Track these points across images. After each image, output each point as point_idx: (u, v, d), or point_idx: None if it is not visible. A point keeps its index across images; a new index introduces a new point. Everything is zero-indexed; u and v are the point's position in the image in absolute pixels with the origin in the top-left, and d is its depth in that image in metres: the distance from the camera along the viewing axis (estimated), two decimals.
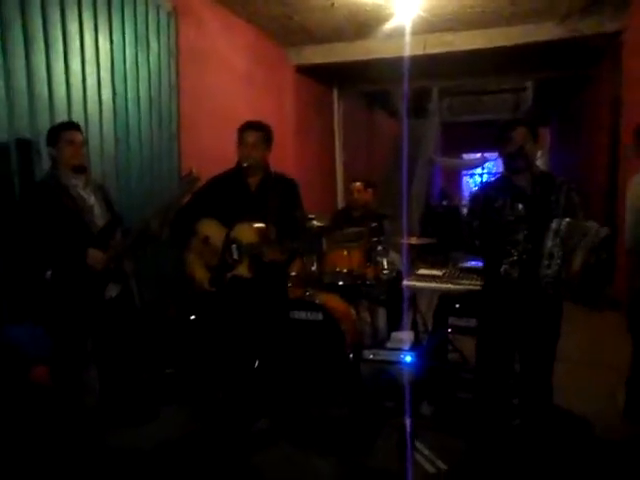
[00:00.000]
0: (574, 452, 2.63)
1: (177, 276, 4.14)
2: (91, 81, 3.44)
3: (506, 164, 2.45)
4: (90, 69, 3.43)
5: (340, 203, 7.53)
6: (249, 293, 2.86)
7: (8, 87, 2.87)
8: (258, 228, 2.79)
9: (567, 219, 2.20)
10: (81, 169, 2.82)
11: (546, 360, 2.44)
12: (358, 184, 4.46)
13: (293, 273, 3.59)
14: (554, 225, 2.20)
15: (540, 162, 2.78)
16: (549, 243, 2.19)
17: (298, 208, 3.00)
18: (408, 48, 5.38)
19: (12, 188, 2.92)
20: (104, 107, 3.56)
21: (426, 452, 2.62)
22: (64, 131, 2.76)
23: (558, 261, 2.18)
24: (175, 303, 3.97)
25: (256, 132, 2.87)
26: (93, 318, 2.80)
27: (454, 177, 13.68)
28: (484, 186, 3.22)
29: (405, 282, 3.27)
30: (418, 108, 10.81)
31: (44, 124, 3.01)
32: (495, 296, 2.48)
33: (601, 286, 2.30)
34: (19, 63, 2.93)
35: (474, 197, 2.70)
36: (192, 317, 3.85)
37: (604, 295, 2.73)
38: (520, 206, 2.34)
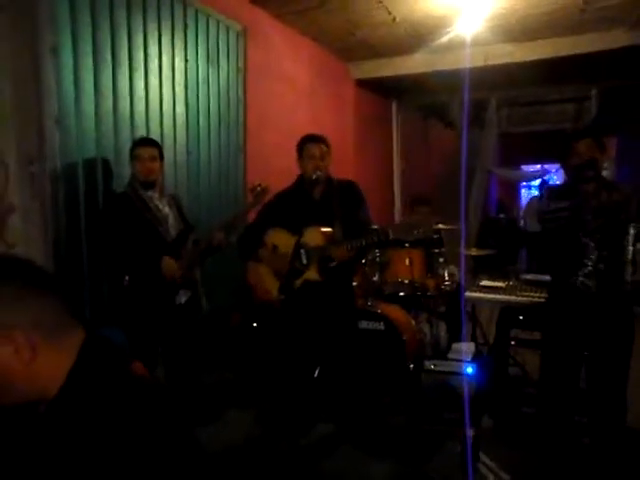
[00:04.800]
0: None
1: (242, 284, 4.30)
2: (167, 98, 3.64)
3: (573, 176, 2.40)
4: (166, 86, 3.63)
5: (397, 216, 7.53)
6: (321, 296, 2.92)
7: (97, 108, 3.09)
8: (324, 231, 2.87)
9: None
10: (146, 185, 2.91)
11: (617, 376, 2.35)
12: (425, 209, 4.48)
13: (355, 283, 3.65)
14: (632, 230, 2.15)
15: (606, 173, 2.72)
16: (630, 249, 2.14)
17: (362, 208, 3.05)
18: (469, 60, 5.37)
19: (97, 200, 3.12)
20: (177, 122, 3.75)
21: (489, 463, 2.61)
22: (135, 147, 2.93)
23: None
24: (239, 311, 4.11)
25: (323, 144, 2.97)
26: (164, 322, 2.92)
27: (511, 189, 13.32)
28: (548, 195, 3.15)
29: (467, 293, 3.26)
30: (475, 119, 10.66)
31: (126, 140, 3.22)
32: (562, 309, 2.44)
33: None
34: (107, 85, 3.15)
35: (538, 207, 2.62)
36: (255, 324, 3.98)
37: None
38: (589, 216, 2.29)
